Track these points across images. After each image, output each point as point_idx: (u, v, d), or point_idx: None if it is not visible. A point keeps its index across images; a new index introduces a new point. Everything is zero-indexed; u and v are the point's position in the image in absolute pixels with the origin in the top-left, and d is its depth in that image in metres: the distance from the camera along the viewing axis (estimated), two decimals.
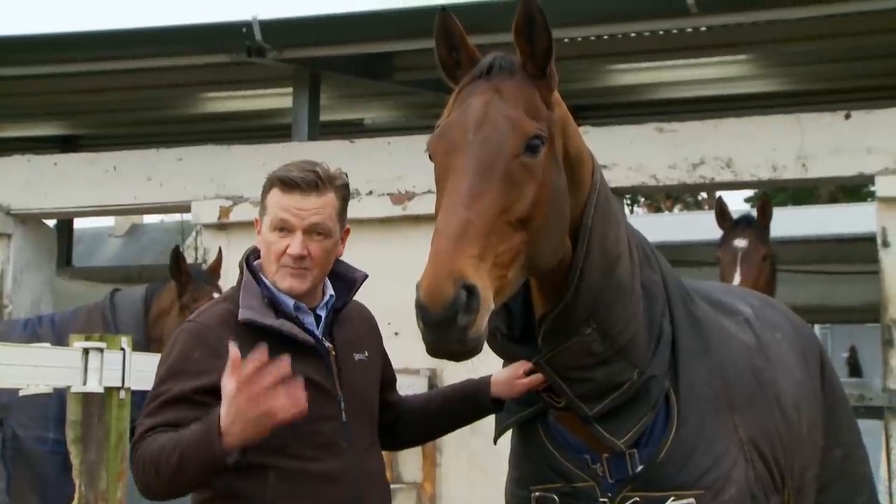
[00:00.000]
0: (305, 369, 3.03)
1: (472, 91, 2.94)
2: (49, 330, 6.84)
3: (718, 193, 9.25)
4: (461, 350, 2.63)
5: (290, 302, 3.12)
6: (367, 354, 3.27)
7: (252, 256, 3.23)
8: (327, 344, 3.15)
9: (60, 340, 6.07)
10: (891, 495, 7.42)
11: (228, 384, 2.76)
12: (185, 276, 7.03)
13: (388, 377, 3.43)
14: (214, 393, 2.90)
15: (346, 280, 3.28)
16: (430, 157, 2.93)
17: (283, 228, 3.10)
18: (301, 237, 3.09)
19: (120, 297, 7.08)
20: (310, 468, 2.99)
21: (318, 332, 3.15)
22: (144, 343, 6.39)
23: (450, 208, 2.72)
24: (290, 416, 2.79)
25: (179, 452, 2.81)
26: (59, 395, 5.76)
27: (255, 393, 2.74)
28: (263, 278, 3.15)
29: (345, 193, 3.21)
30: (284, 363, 2.78)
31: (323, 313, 3.19)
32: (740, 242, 7.54)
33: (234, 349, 2.77)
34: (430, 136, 2.95)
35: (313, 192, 3.11)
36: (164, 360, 3.09)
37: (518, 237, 2.78)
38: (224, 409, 2.77)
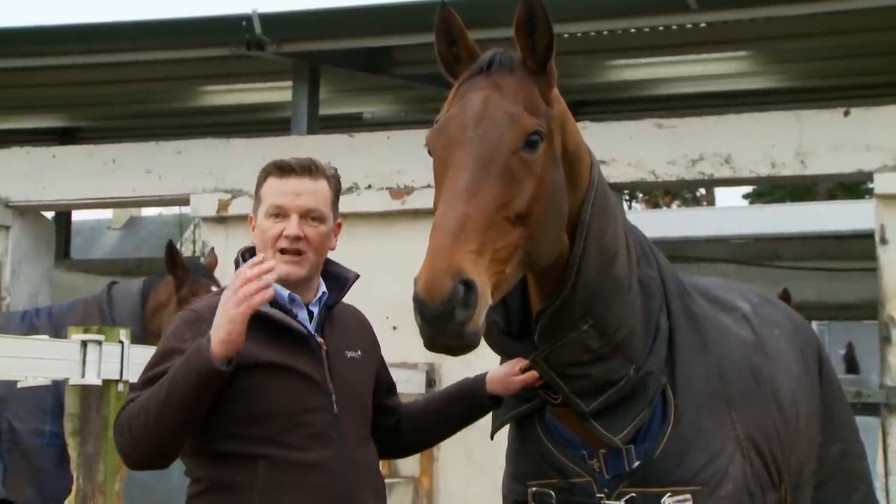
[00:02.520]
0: (297, 361, 3.07)
1: (471, 86, 2.94)
2: (46, 322, 6.83)
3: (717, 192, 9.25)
4: (458, 345, 2.63)
5: (285, 294, 3.13)
6: (359, 353, 3.27)
7: (248, 253, 3.24)
8: (319, 339, 3.15)
9: (57, 332, 6.07)
10: (887, 492, 7.43)
11: (224, 295, 2.90)
12: (181, 270, 7.01)
13: (385, 381, 3.42)
14: None
15: (339, 279, 3.31)
16: (428, 151, 2.93)
17: (279, 214, 3.13)
18: (297, 219, 3.12)
19: (117, 290, 7.07)
20: (299, 458, 3.00)
21: (311, 327, 3.16)
22: (141, 336, 6.38)
23: (448, 203, 2.72)
24: (266, 299, 2.88)
25: (169, 380, 2.89)
26: (56, 388, 5.77)
27: (237, 286, 2.85)
28: None
29: (337, 186, 3.26)
30: (269, 264, 2.90)
31: (315, 309, 3.20)
32: None
33: (244, 267, 2.90)
34: (430, 130, 2.95)
35: (307, 175, 3.17)
36: (158, 345, 3.17)
37: (516, 233, 2.78)
38: (214, 320, 2.87)
